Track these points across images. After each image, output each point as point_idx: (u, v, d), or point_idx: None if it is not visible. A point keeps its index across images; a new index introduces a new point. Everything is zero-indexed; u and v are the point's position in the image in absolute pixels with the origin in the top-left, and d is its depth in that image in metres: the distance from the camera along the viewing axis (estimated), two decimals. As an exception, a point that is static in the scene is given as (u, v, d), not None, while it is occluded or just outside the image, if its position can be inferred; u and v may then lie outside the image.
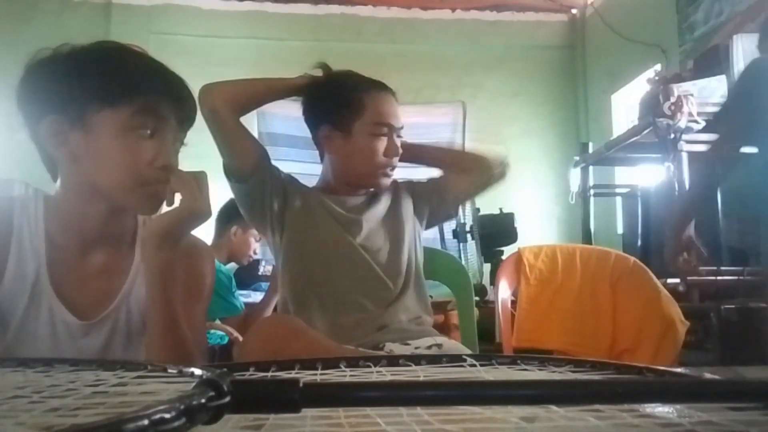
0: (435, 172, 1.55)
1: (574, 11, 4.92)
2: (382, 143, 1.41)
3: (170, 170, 0.94)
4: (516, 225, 3.27)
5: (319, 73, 1.47)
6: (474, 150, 1.58)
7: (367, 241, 1.41)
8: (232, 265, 2.85)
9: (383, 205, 1.49)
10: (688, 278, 2.22)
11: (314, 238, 1.40)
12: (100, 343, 0.98)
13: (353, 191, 1.49)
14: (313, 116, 1.48)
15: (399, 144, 1.44)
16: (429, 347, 1.29)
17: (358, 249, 1.39)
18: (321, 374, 0.56)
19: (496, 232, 3.24)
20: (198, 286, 1.06)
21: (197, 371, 0.46)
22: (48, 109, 0.92)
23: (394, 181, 1.53)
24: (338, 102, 1.43)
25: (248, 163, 1.39)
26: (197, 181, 0.94)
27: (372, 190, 1.51)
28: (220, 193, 3.33)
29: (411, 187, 1.54)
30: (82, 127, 0.91)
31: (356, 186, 1.48)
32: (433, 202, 1.52)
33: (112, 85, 0.91)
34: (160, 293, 0.94)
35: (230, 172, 1.40)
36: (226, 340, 2.52)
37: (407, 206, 1.50)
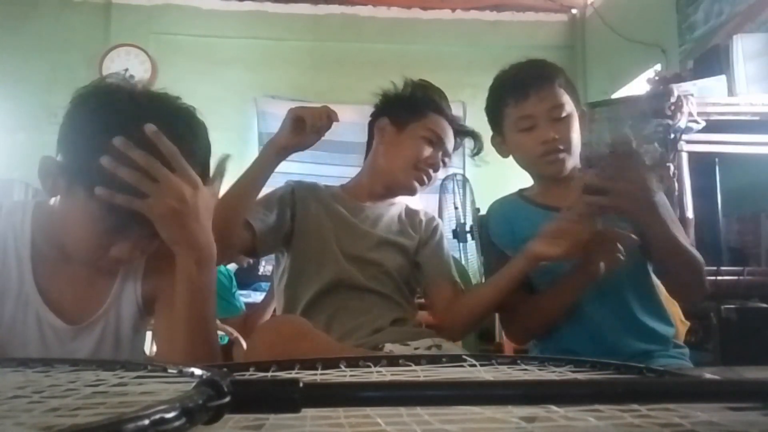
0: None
1: (574, 11, 4.91)
2: (428, 150, 1.46)
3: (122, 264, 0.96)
4: (516, 225, 3.27)
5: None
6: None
7: (375, 254, 1.42)
8: (232, 266, 2.85)
9: (398, 221, 1.51)
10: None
11: (321, 247, 1.40)
12: (89, 347, 0.99)
13: (379, 197, 1.52)
14: (379, 109, 1.55)
15: (440, 166, 1.48)
16: (428, 348, 1.29)
17: (357, 260, 1.39)
18: (321, 374, 0.56)
19: (496, 232, 3.25)
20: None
21: (197, 371, 0.46)
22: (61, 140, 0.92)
23: (428, 213, 1.58)
24: (406, 100, 1.52)
25: (258, 249, 1.37)
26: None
27: (392, 200, 1.54)
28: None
29: (431, 233, 1.53)
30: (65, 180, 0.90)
31: (387, 186, 1.50)
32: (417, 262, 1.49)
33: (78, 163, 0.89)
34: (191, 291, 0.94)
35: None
36: (226, 340, 2.52)
37: (417, 232, 1.51)
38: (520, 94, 1.33)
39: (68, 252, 0.95)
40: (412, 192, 1.49)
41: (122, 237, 0.91)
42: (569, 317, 1.31)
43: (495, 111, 1.42)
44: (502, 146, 1.43)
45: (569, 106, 1.33)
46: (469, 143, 1.60)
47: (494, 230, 1.46)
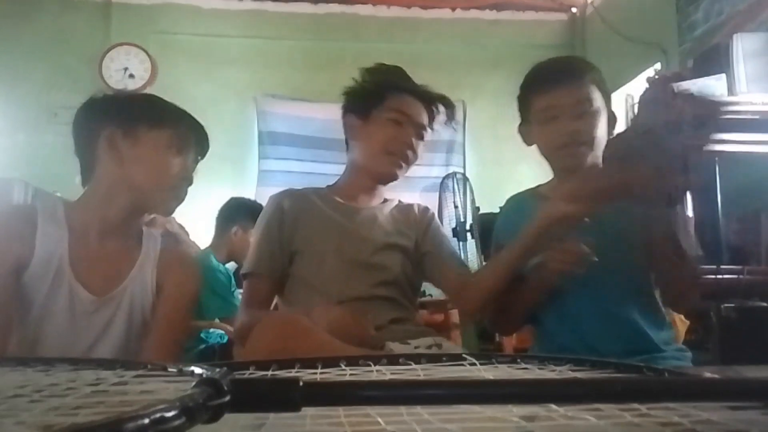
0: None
1: (574, 11, 4.91)
2: (396, 130, 1.43)
3: (189, 182, 1.26)
4: (516, 224, 3.26)
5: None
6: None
7: (378, 259, 1.41)
8: (232, 265, 2.85)
9: (392, 220, 1.49)
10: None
11: (322, 263, 1.40)
12: (107, 317, 1.20)
13: (369, 191, 1.50)
14: (343, 109, 1.54)
15: (417, 143, 1.45)
16: (429, 347, 1.29)
17: (360, 266, 1.39)
18: (321, 373, 0.56)
19: (496, 232, 3.24)
20: (182, 296, 1.28)
21: (197, 370, 0.46)
22: (107, 125, 1.21)
23: (420, 206, 1.55)
24: (362, 91, 1.50)
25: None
26: None
27: (386, 197, 1.53)
28: (221, 193, 3.31)
29: (427, 222, 1.52)
30: (132, 139, 1.21)
31: (372, 178, 1.49)
32: (422, 263, 1.49)
33: (162, 114, 1.25)
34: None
35: None
36: (226, 339, 2.52)
37: (414, 230, 1.50)
38: (549, 84, 1.34)
39: (146, 201, 1.24)
40: (394, 177, 1.47)
41: (184, 158, 1.25)
42: (560, 317, 1.33)
43: (524, 99, 1.41)
44: (527, 135, 1.43)
45: (597, 102, 1.32)
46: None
47: (500, 227, 1.47)
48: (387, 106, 1.45)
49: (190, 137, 1.26)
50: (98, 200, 1.23)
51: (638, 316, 1.30)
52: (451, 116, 1.53)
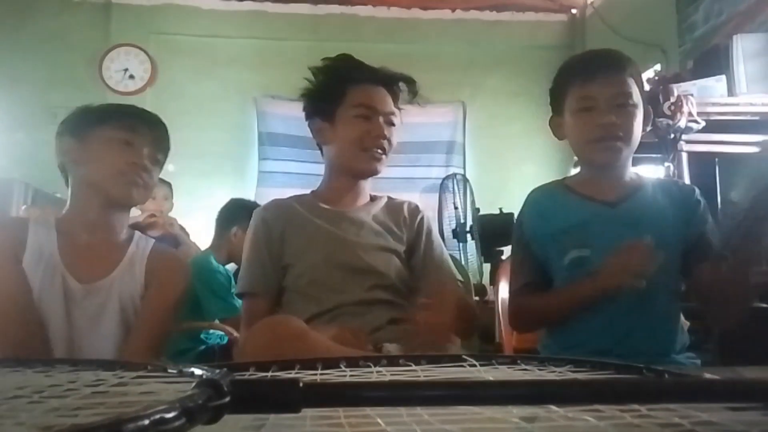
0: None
1: (574, 11, 4.91)
2: (366, 125, 1.40)
3: (143, 168, 1.30)
4: (516, 225, 3.27)
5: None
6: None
7: (370, 262, 1.39)
8: (232, 266, 2.85)
9: (381, 221, 1.47)
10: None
11: (312, 261, 1.39)
12: (97, 305, 1.28)
13: (351, 191, 1.48)
14: (306, 113, 1.50)
15: (389, 131, 1.42)
16: (429, 347, 1.29)
17: (353, 271, 1.38)
18: (321, 374, 0.56)
19: (496, 232, 3.24)
20: (167, 294, 1.33)
21: (197, 371, 0.46)
22: (64, 137, 1.35)
23: (411, 205, 1.53)
24: (320, 92, 1.46)
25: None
26: None
27: (371, 198, 1.51)
28: (221, 194, 3.30)
29: (418, 223, 1.49)
30: (79, 141, 1.32)
31: (354, 176, 1.47)
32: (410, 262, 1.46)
33: (102, 112, 1.35)
34: None
35: None
36: (226, 340, 2.52)
37: (404, 231, 1.48)
38: (587, 74, 1.32)
39: (107, 193, 1.30)
40: (375, 172, 1.45)
41: (134, 148, 1.31)
42: (588, 313, 1.29)
43: (559, 90, 1.38)
44: (559, 128, 1.40)
45: (636, 97, 1.30)
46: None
47: (527, 220, 1.44)
48: (350, 102, 1.42)
49: (134, 126, 1.32)
50: (74, 202, 1.35)
51: (662, 319, 1.28)
52: (414, 92, 1.49)
